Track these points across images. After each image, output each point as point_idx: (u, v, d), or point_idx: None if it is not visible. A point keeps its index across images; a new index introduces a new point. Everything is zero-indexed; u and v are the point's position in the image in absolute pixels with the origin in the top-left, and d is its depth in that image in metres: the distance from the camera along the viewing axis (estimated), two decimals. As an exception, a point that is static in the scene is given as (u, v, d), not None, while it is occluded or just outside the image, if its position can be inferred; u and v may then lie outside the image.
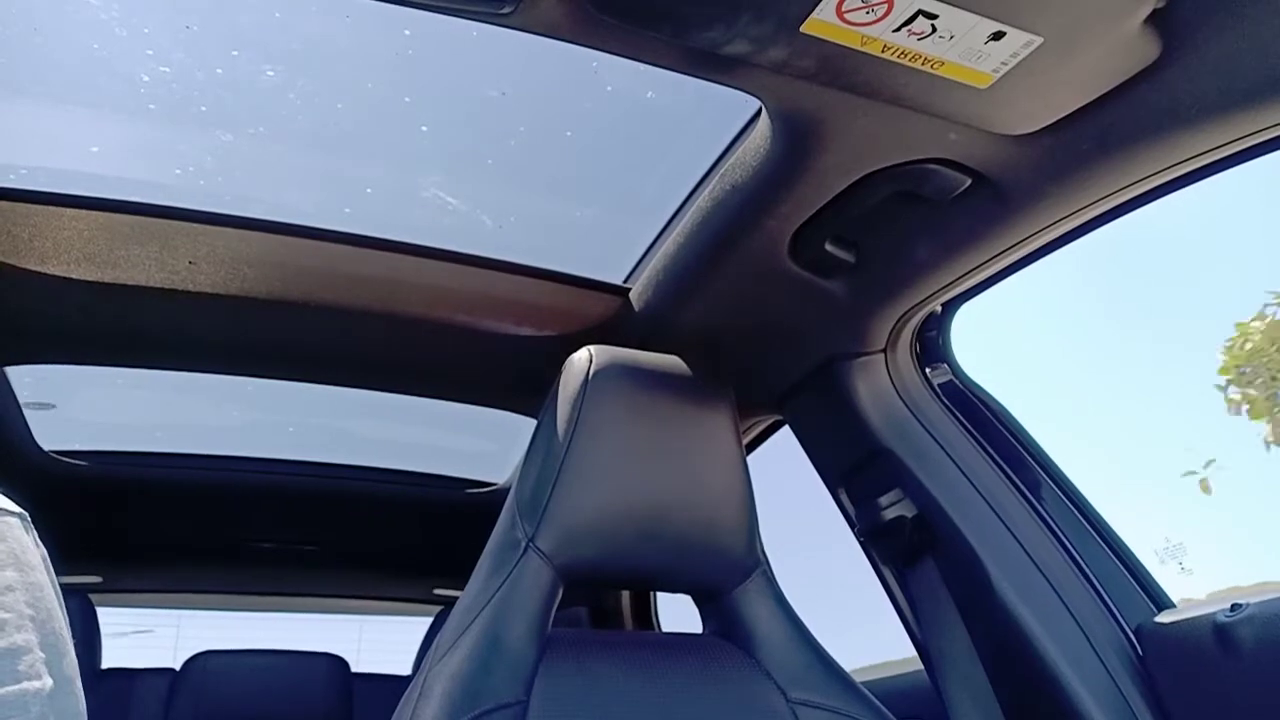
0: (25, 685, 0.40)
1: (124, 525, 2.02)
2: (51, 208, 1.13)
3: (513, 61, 1.08)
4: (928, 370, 1.23)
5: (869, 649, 1.53)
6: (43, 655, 0.41)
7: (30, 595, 0.42)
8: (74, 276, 1.22)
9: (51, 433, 1.76)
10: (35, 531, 0.46)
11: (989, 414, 1.19)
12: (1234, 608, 0.89)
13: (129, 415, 1.91)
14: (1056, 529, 1.11)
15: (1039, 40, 0.71)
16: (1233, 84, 0.74)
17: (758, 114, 0.95)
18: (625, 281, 1.36)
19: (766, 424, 1.53)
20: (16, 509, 0.46)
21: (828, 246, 1.06)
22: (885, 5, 0.68)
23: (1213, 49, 0.72)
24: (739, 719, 0.90)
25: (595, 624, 2.21)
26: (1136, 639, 1.02)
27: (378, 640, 3.92)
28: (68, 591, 0.48)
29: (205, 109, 1.14)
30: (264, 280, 1.26)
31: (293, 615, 2.71)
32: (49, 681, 0.41)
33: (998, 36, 0.70)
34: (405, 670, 2.35)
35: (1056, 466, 1.15)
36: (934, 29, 0.70)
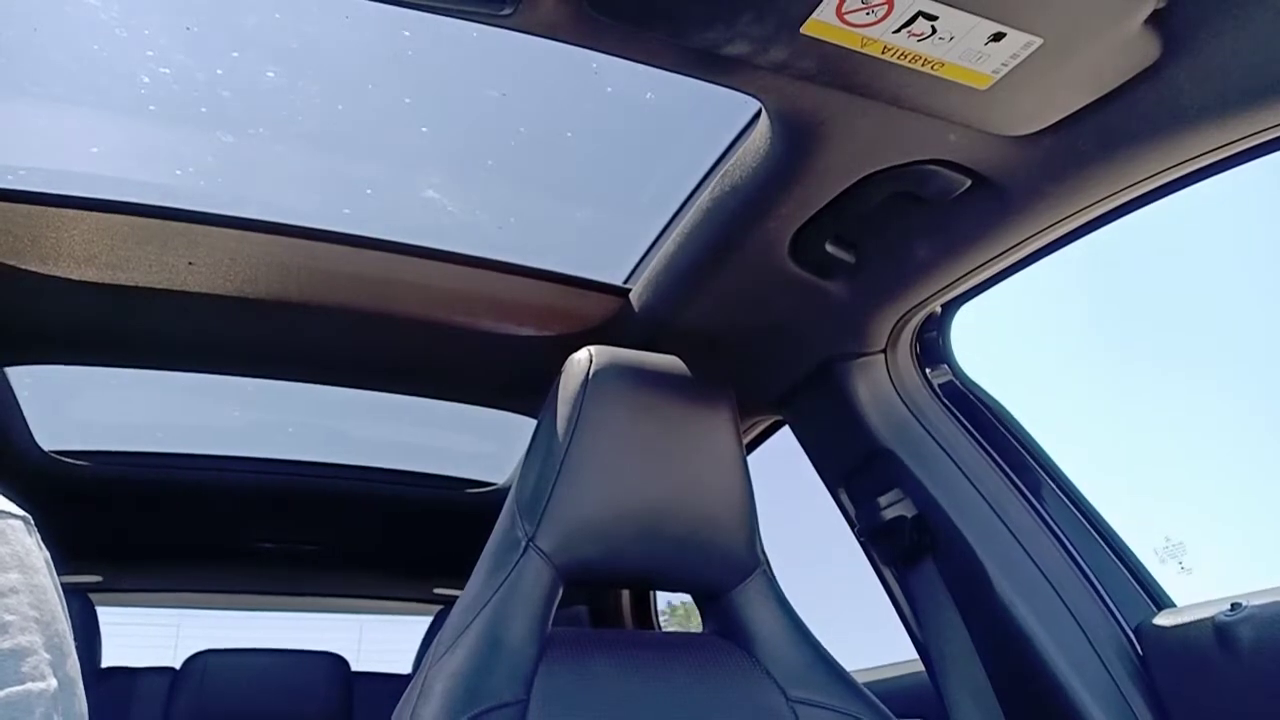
0: (30, 686, 0.40)
1: (124, 525, 2.02)
2: (51, 208, 1.13)
3: (513, 62, 1.08)
4: (928, 371, 1.23)
5: (869, 648, 1.53)
6: (47, 657, 0.41)
7: (34, 597, 0.42)
8: (74, 277, 1.22)
9: (52, 433, 1.76)
10: (38, 534, 0.46)
11: (989, 414, 1.19)
12: (1234, 608, 0.89)
13: (129, 415, 1.91)
14: (1056, 529, 1.11)
15: (1039, 41, 0.71)
16: (1232, 84, 0.74)
17: (758, 114, 0.95)
18: (625, 282, 1.36)
19: (766, 424, 1.53)
20: (20, 512, 0.46)
21: (828, 247, 1.06)
22: (885, 6, 0.68)
23: (1212, 49, 0.72)
24: (739, 718, 0.90)
25: (595, 623, 2.21)
26: (1136, 639, 1.02)
27: (378, 640, 3.92)
28: (68, 591, 0.48)
29: (206, 110, 1.14)
30: (264, 281, 1.26)
31: (293, 615, 2.71)
32: (53, 683, 0.41)
33: (998, 37, 0.70)
34: (405, 670, 2.36)
35: (1056, 466, 1.15)
36: (934, 30, 0.70)
